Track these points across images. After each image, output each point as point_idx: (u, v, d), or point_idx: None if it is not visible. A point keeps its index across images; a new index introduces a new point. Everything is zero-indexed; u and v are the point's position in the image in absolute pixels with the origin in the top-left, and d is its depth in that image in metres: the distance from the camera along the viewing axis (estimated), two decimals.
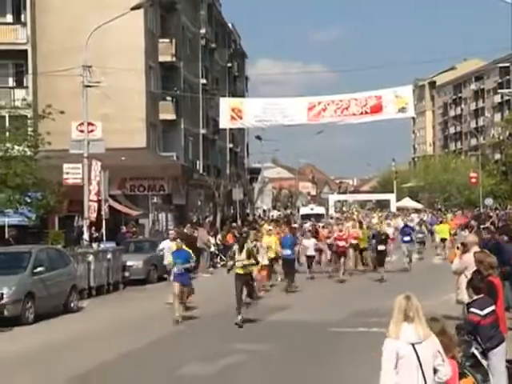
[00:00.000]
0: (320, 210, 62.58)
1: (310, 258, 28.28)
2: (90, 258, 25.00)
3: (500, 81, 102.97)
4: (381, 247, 27.28)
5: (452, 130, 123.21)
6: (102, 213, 30.00)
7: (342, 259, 27.17)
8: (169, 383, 12.26)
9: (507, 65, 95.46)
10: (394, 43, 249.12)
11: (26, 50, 40.24)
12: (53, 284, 20.47)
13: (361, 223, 32.07)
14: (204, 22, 57.67)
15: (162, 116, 45.79)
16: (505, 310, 10.91)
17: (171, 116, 46.48)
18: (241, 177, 72.23)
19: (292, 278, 24.63)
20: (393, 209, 63.80)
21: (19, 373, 13.16)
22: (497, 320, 9.11)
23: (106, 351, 14.46)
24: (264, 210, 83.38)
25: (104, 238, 29.59)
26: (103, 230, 30.17)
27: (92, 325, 18.61)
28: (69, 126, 29.92)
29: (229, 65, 70.01)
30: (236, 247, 18.01)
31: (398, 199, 73.13)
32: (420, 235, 35.84)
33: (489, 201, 57.91)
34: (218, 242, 36.66)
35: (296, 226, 37.92)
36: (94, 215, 29.74)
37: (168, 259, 19.88)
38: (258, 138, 65.32)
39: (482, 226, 28.87)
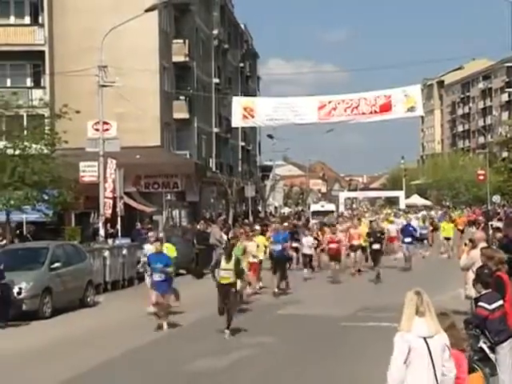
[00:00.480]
0: (330, 206, 62.68)
1: (305, 257, 26.86)
2: (106, 253, 25.38)
3: (507, 80, 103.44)
4: (375, 246, 25.72)
5: (460, 129, 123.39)
6: (117, 209, 30.38)
7: (333, 263, 25.64)
8: (180, 377, 12.21)
9: None
10: (403, 43, 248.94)
11: (43, 51, 40.65)
12: (69, 279, 20.72)
13: (359, 220, 31.08)
14: (217, 23, 58.06)
15: (176, 115, 46.22)
16: None
17: (185, 115, 46.93)
18: (253, 174, 72.73)
19: (281, 276, 22.52)
20: (402, 205, 64.37)
21: (35, 366, 13.29)
22: (505, 314, 9.15)
23: (119, 345, 14.59)
24: (275, 207, 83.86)
25: (119, 234, 29.99)
26: (118, 227, 30.57)
27: (107, 319, 18.74)
28: (85, 125, 30.27)
29: (241, 65, 70.33)
30: (223, 254, 16.02)
31: (407, 196, 73.59)
32: (424, 231, 34.78)
33: (496, 198, 58.24)
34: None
35: (299, 223, 37.48)
36: (109, 212, 30.04)
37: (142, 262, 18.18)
38: (270, 136, 65.62)
39: (493, 226, 29.00)
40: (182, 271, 27.45)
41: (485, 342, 8.93)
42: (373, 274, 25.49)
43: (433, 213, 47.54)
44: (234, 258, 15.57)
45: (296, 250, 28.58)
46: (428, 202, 76.05)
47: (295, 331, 16.03)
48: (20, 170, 27.81)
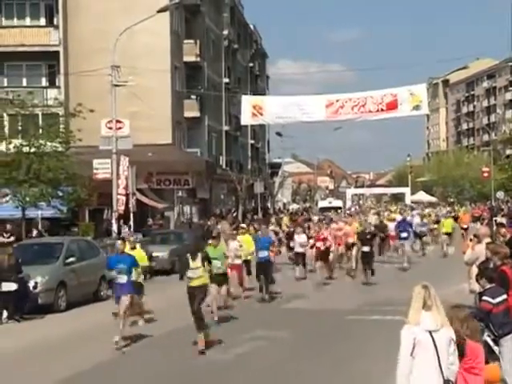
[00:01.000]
0: (338, 203, 63.15)
1: (298, 255, 24.72)
2: None
3: (511, 79, 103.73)
4: (365, 248, 23.26)
5: (465, 126, 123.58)
6: (130, 206, 30.98)
7: (319, 263, 23.41)
8: (184, 372, 12.17)
9: None
10: (408, 43, 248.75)
11: (58, 52, 41.25)
12: (83, 274, 20.83)
13: (351, 216, 30.53)
14: (227, 23, 58.66)
15: (187, 114, 46.86)
16: None
17: (195, 114, 47.56)
18: (262, 171, 73.34)
19: (267, 283, 19.97)
20: (407, 202, 64.93)
21: (50, 358, 13.38)
22: (509, 308, 9.20)
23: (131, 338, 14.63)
24: (284, 203, 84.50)
25: (131, 230, 30.34)
26: (131, 222, 31.14)
27: None
28: (98, 124, 30.84)
29: (250, 64, 70.82)
30: (188, 253, 14.16)
31: (413, 193, 74.27)
32: (423, 228, 33.55)
33: (500, 194, 58.70)
34: None
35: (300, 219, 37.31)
36: (122, 208, 30.58)
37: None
38: (279, 134, 66.22)
39: (497, 221, 29.29)
40: None
41: (489, 335, 8.98)
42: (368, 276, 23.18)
43: (440, 210, 47.63)
44: (199, 254, 13.95)
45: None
46: (433, 199, 76.71)
47: (303, 325, 16.01)
48: (35, 167, 28.45)
